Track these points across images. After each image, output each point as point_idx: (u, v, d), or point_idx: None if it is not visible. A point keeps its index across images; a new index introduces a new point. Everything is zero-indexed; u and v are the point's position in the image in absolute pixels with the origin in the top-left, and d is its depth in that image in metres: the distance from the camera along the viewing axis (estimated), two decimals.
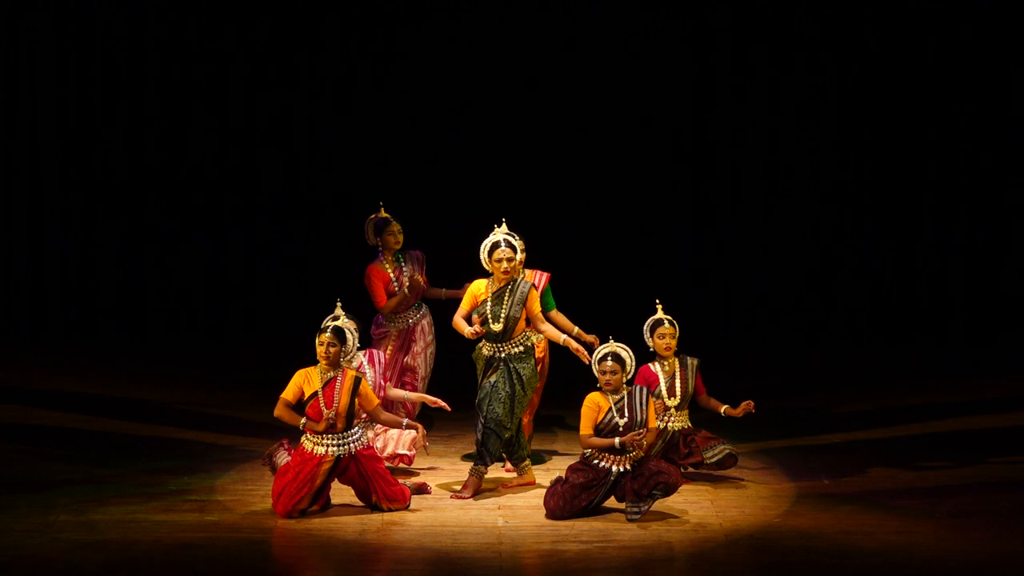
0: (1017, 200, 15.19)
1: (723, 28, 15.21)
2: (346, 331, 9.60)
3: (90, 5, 15.10)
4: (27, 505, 9.52)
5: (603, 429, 9.48)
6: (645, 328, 10.27)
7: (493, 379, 9.97)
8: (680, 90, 15.33)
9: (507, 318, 9.96)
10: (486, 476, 10.02)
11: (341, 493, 9.68)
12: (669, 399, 10.25)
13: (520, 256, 10.08)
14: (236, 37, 15.22)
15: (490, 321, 9.97)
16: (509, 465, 10.28)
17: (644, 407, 9.54)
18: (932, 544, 8.91)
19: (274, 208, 15.50)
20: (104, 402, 12.64)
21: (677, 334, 10.28)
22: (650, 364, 10.32)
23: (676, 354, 10.34)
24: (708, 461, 10.17)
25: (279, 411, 9.51)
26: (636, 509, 9.37)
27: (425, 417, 11.33)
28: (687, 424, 10.32)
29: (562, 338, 10.04)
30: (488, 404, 9.93)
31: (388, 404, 10.39)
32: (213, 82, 15.30)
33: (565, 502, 9.40)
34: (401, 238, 11.13)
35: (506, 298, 9.99)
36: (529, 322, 10.13)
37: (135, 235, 15.40)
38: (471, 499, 9.84)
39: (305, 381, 9.52)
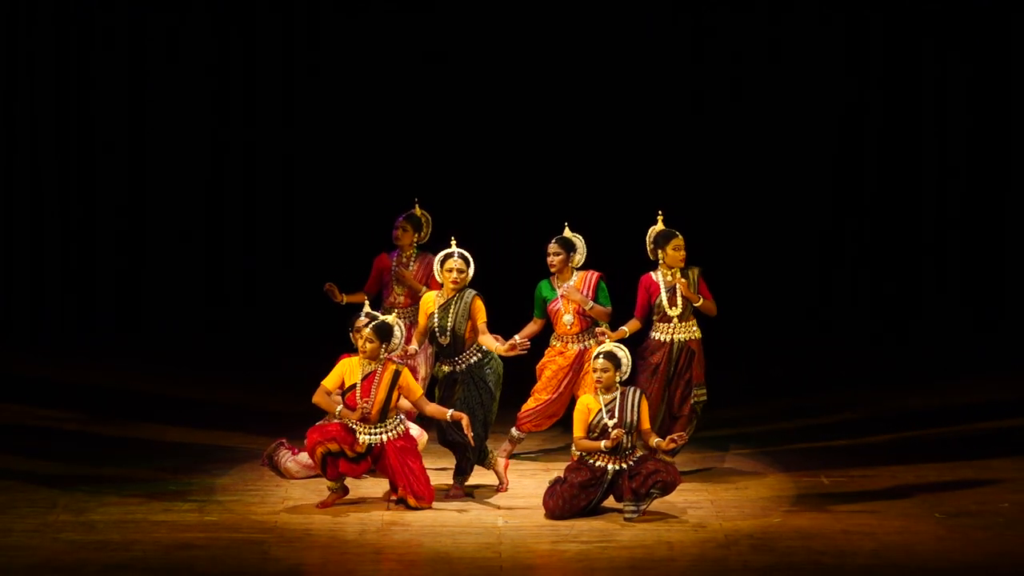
0: (1017, 198, 15.18)
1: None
2: (394, 327, 9.63)
3: (90, 5, 15.09)
4: (27, 505, 9.53)
5: (593, 430, 9.49)
6: (649, 239, 10.33)
7: (461, 396, 9.93)
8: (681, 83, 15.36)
9: (452, 330, 9.94)
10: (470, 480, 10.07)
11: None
12: (671, 309, 10.25)
13: (470, 271, 10.02)
14: (237, 28, 15.23)
15: (437, 335, 9.97)
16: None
17: (636, 409, 9.53)
18: (932, 544, 8.91)
19: (275, 207, 15.50)
20: (103, 402, 12.64)
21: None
22: (651, 273, 10.36)
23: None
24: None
25: (318, 397, 9.62)
26: (634, 508, 9.38)
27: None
28: (694, 335, 10.32)
29: (495, 347, 9.91)
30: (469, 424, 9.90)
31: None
32: (213, 76, 15.29)
33: (565, 502, 9.40)
34: (404, 236, 11.15)
35: (451, 310, 9.98)
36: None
37: (134, 234, 15.40)
38: (471, 499, 9.84)
39: (347, 371, 9.61)
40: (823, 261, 15.46)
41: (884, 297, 15.42)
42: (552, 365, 10.57)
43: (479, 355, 9.97)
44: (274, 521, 9.31)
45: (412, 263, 11.21)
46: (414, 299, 11.13)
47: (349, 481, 9.74)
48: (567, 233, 10.54)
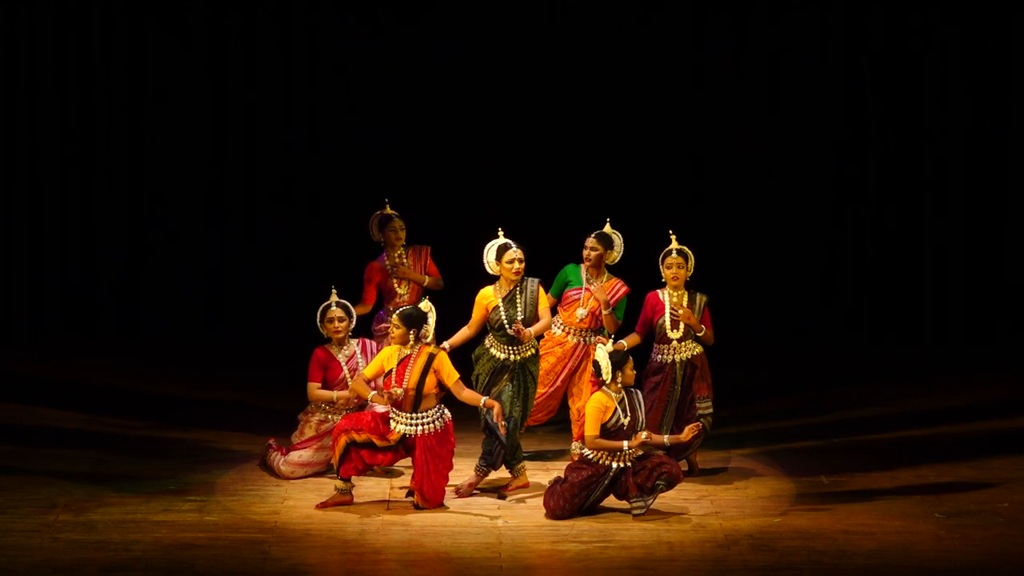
0: (1018, 199, 15.17)
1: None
2: (427, 314, 9.65)
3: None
4: (27, 505, 9.53)
5: (611, 429, 9.48)
6: (660, 257, 10.38)
7: (510, 387, 9.96)
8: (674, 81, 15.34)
9: (524, 320, 9.97)
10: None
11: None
12: (672, 331, 10.26)
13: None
14: (238, 21, 15.21)
15: (507, 326, 9.97)
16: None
17: (641, 407, 9.58)
18: (932, 544, 8.92)
19: (273, 205, 15.48)
20: (104, 401, 12.63)
21: (688, 267, 10.31)
22: (658, 292, 10.36)
23: (687, 288, 10.35)
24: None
25: (355, 384, 9.72)
26: (641, 503, 9.39)
27: None
28: (695, 351, 10.33)
29: (538, 326, 10.07)
30: (508, 411, 9.91)
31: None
32: (213, 74, 15.28)
33: (565, 501, 9.41)
34: (403, 235, 11.20)
35: (518, 300, 10.00)
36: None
37: (135, 234, 15.40)
38: (471, 499, 9.85)
39: (386, 358, 9.64)
40: (824, 261, 15.44)
41: (884, 297, 15.40)
42: (550, 357, 10.55)
43: (534, 350, 10.09)
44: (274, 521, 9.31)
45: (406, 259, 11.24)
46: (418, 294, 11.13)
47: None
48: (607, 229, 10.55)
